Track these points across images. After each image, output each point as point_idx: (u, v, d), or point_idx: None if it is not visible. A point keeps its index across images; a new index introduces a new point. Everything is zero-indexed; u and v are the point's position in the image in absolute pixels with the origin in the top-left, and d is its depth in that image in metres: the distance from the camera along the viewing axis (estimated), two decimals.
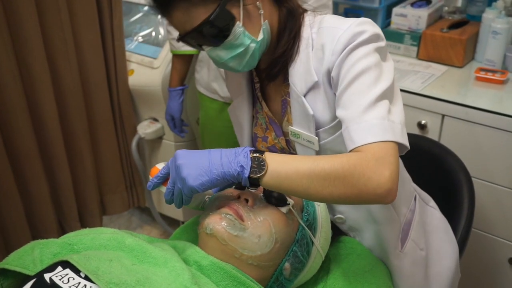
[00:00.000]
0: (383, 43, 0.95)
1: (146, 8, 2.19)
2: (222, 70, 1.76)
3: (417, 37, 1.87)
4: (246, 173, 0.83)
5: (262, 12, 0.97)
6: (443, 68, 1.81)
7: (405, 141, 0.88)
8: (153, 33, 2.11)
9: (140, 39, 2.14)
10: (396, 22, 1.93)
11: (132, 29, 2.17)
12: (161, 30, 2.10)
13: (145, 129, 2.13)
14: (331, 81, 0.96)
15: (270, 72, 1.05)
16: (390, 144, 0.84)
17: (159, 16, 2.12)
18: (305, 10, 1.04)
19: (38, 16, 1.73)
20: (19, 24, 1.69)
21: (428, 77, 1.75)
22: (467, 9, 1.97)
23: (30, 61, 1.75)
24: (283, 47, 1.01)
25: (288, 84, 1.04)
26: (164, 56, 2.02)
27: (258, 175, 0.83)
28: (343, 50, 0.92)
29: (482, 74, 1.70)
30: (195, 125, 2.16)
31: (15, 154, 1.82)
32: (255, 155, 0.84)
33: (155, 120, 2.17)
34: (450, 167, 1.36)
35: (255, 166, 0.83)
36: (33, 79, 1.78)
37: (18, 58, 1.73)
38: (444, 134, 1.65)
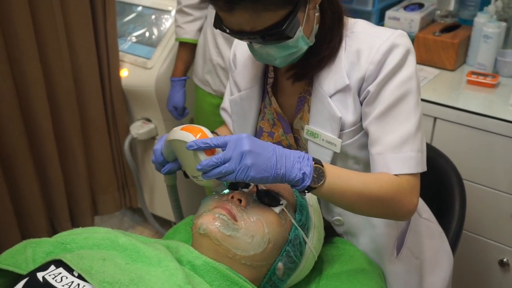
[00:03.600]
0: (414, 56, 0.98)
1: (139, 8, 2.19)
2: (217, 64, 1.76)
3: None
4: (308, 182, 0.86)
5: (318, 14, 0.96)
6: (435, 71, 1.83)
7: (425, 167, 0.97)
8: (147, 33, 2.11)
9: (134, 39, 2.13)
10: (389, 25, 1.94)
11: (125, 29, 2.17)
12: (155, 31, 2.10)
13: (138, 129, 2.12)
14: (361, 90, 0.98)
15: (301, 73, 1.03)
16: (419, 174, 0.96)
17: (153, 17, 2.12)
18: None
19: (31, 16, 1.73)
20: (12, 23, 1.68)
21: (421, 80, 1.76)
22: (459, 13, 1.98)
23: (23, 60, 1.74)
24: (324, 52, 1.00)
25: (309, 82, 1.04)
26: (158, 57, 2.02)
27: (317, 186, 0.86)
28: (382, 63, 0.95)
29: (473, 78, 1.72)
30: None
31: (6, 153, 1.80)
32: (317, 165, 0.87)
33: (148, 120, 2.16)
34: (441, 169, 1.37)
35: (315, 176, 0.86)
36: (25, 79, 1.77)
37: (11, 57, 1.72)
38: (436, 137, 1.66)
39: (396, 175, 0.93)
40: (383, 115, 0.95)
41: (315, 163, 0.87)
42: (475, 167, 1.61)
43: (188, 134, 0.90)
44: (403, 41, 0.96)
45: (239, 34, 0.90)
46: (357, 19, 1.04)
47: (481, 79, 1.71)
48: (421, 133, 0.96)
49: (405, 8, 1.97)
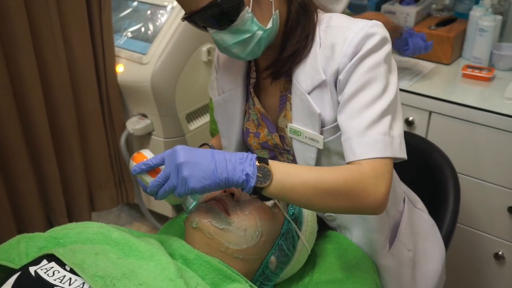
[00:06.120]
0: (389, 45, 0.96)
1: (135, 3, 2.18)
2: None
3: None
4: (252, 182, 0.82)
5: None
6: (430, 65, 1.83)
7: (403, 154, 0.91)
8: (143, 29, 2.10)
9: (129, 34, 2.13)
10: None
11: (121, 25, 2.16)
12: (151, 26, 2.09)
13: (134, 125, 2.12)
14: (337, 82, 0.96)
15: (276, 70, 1.02)
16: (388, 160, 0.89)
17: (149, 12, 2.12)
18: (316, 7, 1.02)
19: (27, 11, 1.72)
20: (7, 18, 1.68)
21: (416, 74, 1.77)
22: (455, 7, 1.98)
23: (18, 56, 1.74)
24: (295, 46, 0.98)
25: (289, 80, 1.02)
26: (154, 52, 2.02)
27: (263, 185, 0.83)
28: (355, 54, 0.92)
29: (469, 71, 1.72)
30: (184, 122, 2.16)
31: (2, 150, 1.80)
32: (261, 164, 0.83)
33: (144, 116, 2.16)
34: (436, 163, 1.38)
35: (261, 175, 0.83)
36: (21, 75, 1.77)
37: (6, 53, 1.72)
38: (431, 131, 1.66)
39: (360, 162, 0.88)
40: (348, 101, 0.92)
41: (259, 162, 0.83)
42: (470, 160, 1.62)
43: (132, 162, 0.91)
44: (379, 30, 0.93)
45: (192, 16, 0.91)
46: (332, 13, 1.02)
47: (476, 72, 1.71)
48: (392, 117, 0.92)
49: (401, 2, 1.97)
